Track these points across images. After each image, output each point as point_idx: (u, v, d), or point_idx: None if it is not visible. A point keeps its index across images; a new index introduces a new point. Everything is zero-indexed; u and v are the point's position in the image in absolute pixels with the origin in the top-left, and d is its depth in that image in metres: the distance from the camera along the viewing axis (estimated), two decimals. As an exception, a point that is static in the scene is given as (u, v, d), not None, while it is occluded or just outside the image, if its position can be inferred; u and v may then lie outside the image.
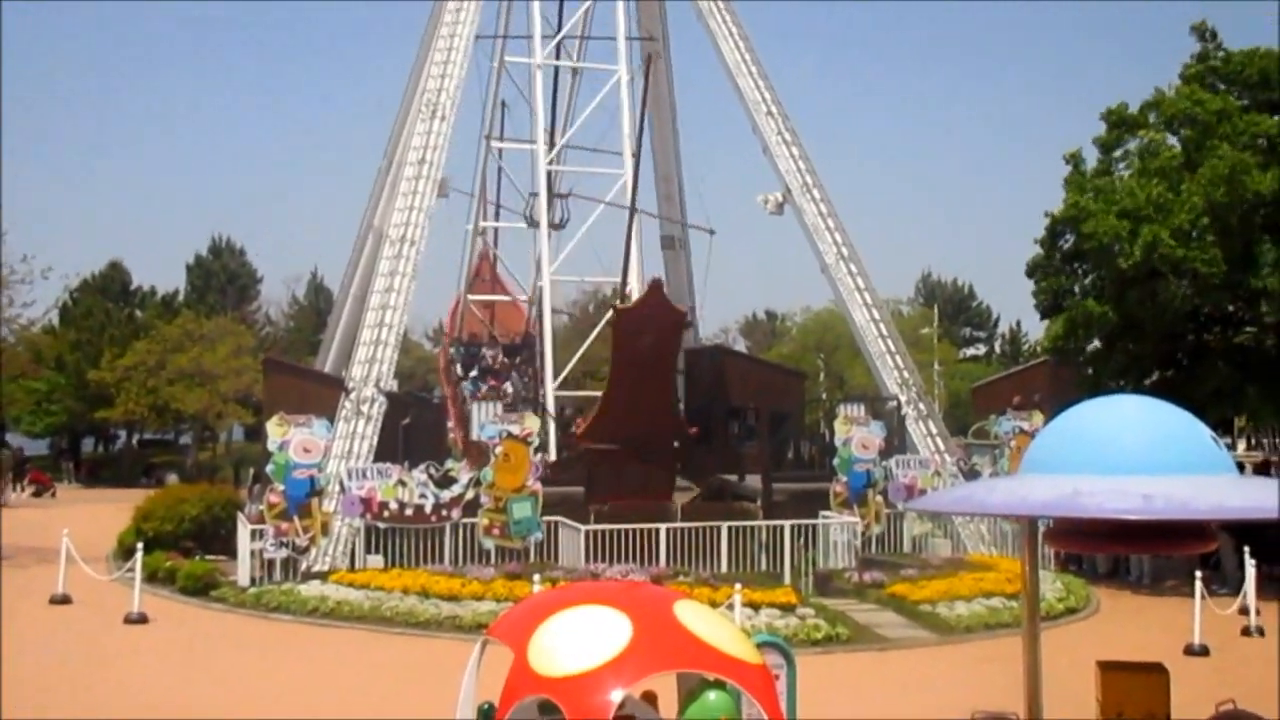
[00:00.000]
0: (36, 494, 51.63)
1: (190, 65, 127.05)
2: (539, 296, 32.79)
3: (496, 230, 39.90)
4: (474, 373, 34.94)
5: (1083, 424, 6.49)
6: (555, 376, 29.66)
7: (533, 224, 34.62)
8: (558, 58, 35.54)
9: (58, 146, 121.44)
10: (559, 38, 34.80)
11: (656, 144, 35.89)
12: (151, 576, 21.42)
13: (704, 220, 34.05)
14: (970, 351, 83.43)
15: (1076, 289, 29.01)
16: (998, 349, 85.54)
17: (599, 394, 26.84)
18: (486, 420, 23.89)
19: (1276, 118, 27.54)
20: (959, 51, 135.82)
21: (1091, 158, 29.92)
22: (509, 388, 33.15)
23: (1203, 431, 6.32)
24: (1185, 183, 26.13)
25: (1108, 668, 6.60)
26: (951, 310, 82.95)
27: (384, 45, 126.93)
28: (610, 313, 25.69)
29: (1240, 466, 31.39)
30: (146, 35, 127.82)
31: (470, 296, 38.48)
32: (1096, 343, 29.00)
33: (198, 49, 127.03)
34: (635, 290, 27.97)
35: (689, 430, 25.22)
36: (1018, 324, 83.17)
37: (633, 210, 27.60)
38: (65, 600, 20.79)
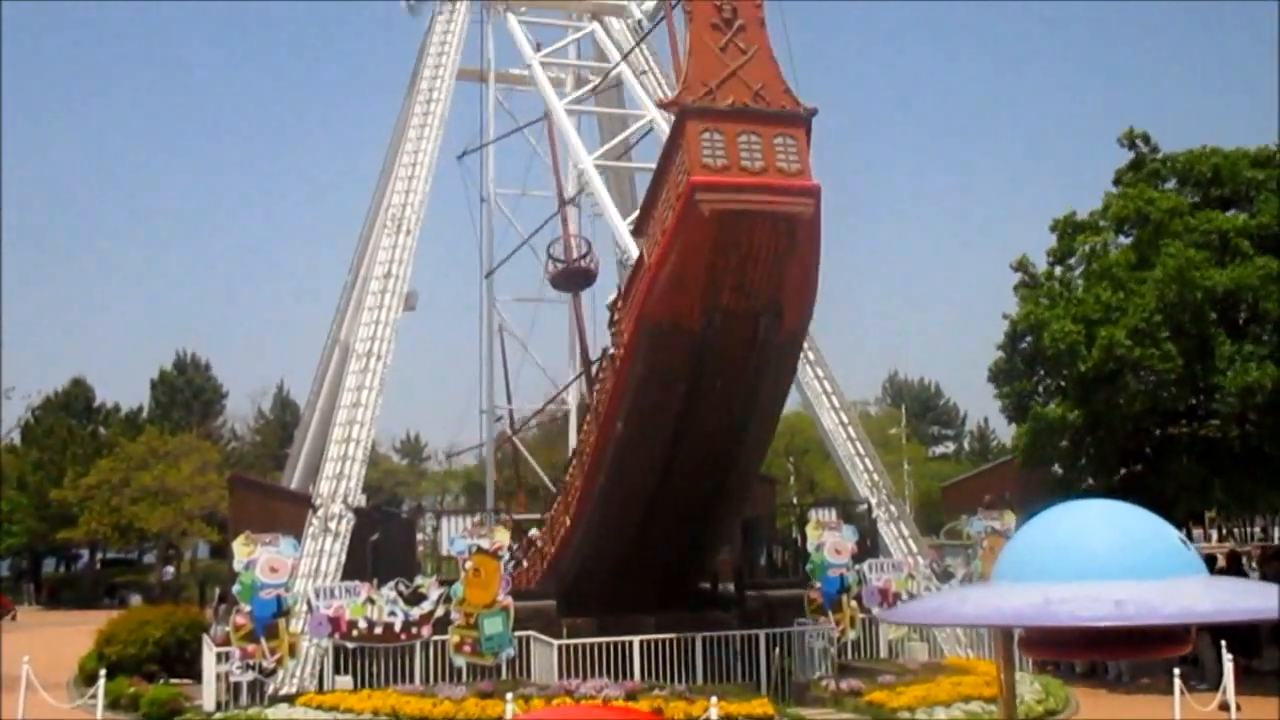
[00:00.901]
0: (-4, 618, 50.54)
1: (154, 178, 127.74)
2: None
3: (511, 411, 39.34)
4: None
5: (1052, 530, 6.48)
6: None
7: (557, 280, 34.57)
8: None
9: (19, 265, 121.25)
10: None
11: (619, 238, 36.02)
12: (114, 703, 20.94)
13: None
14: (939, 450, 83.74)
15: (1040, 389, 29.31)
16: (966, 446, 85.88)
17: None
18: (456, 535, 23.67)
19: (1229, 213, 28.15)
20: (914, 156, 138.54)
21: (1042, 261, 30.56)
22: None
23: (1171, 534, 6.33)
24: (1138, 283, 26.59)
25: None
26: (919, 409, 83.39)
27: (350, 159, 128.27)
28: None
29: (1212, 558, 31.58)
30: (109, 151, 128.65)
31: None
32: (1064, 442, 29.19)
33: (163, 162, 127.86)
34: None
35: (810, 107, 17.74)
36: (985, 421, 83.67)
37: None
38: (24, 731, 20.26)
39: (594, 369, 23.29)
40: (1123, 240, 29.35)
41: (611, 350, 20.42)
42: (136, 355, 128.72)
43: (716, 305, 17.28)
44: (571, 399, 37.34)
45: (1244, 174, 28.33)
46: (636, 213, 20.44)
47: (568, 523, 23.23)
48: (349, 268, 34.62)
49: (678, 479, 19.91)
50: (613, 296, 21.33)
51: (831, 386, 29.13)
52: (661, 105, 19.42)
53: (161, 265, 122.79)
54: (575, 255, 34.62)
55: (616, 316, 20.02)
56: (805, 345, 29.31)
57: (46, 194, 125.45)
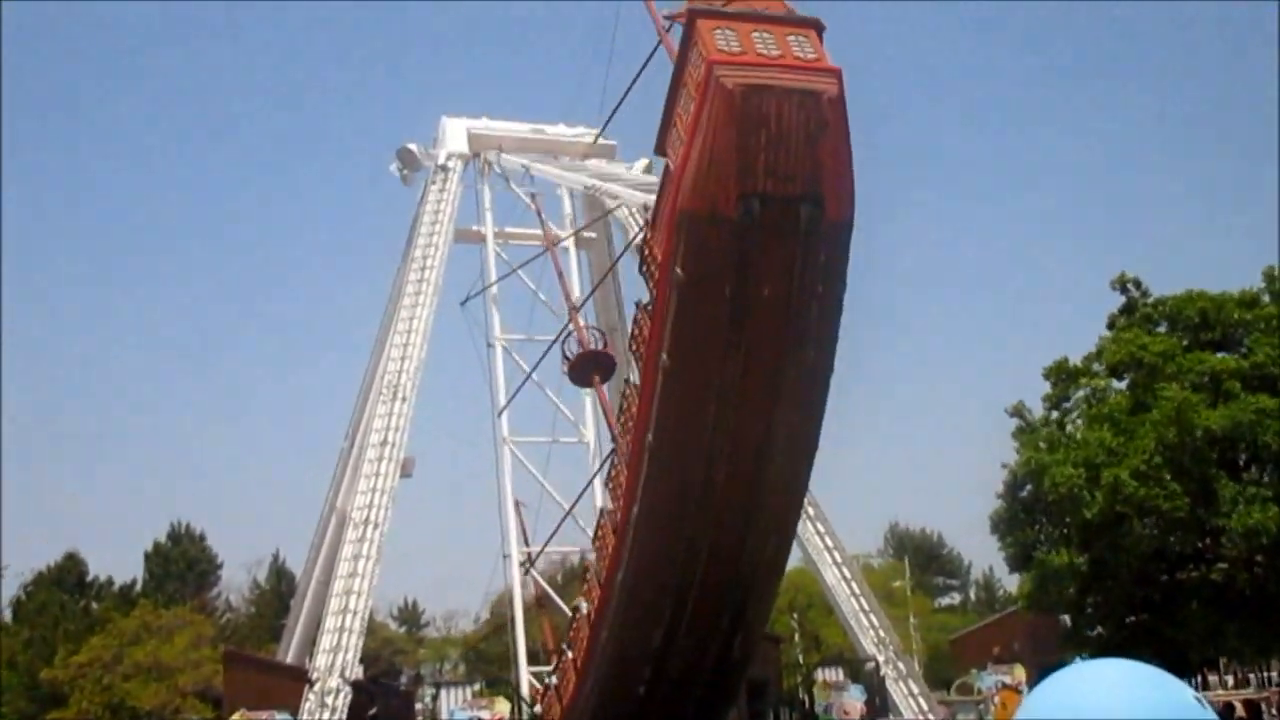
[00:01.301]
0: (-17, 807, 49.08)
1: (149, 349, 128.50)
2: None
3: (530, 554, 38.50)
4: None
5: (1065, 696, 6.31)
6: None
7: (574, 373, 34.20)
8: None
9: (15, 441, 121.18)
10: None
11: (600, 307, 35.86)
12: None
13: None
14: (945, 601, 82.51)
15: (1043, 537, 29.09)
16: (972, 596, 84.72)
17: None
18: (455, 707, 23.17)
19: (1220, 355, 28.37)
20: (909, 305, 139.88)
21: (1038, 405, 30.67)
22: None
23: (1186, 694, 6.17)
24: (1136, 425, 26.64)
25: None
26: (922, 560, 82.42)
27: (345, 324, 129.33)
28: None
29: (1230, 706, 30.86)
30: (106, 324, 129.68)
31: None
32: (1071, 590, 28.86)
33: (157, 333, 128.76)
34: None
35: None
36: (990, 570, 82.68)
37: None
38: None
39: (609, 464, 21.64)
40: (1118, 384, 29.50)
41: (646, 301, 18.57)
42: (130, 527, 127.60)
43: (753, 189, 16.15)
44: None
45: (1231, 316, 28.66)
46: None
47: (573, 679, 22.32)
48: (345, 435, 34.63)
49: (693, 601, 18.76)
50: (642, 236, 19.77)
51: (833, 541, 28.93)
52: (669, 16, 17.97)
53: (156, 435, 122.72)
54: (591, 345, 34.25)
55: (648, 250, 18.34)
56: (805, 501, 29.24)
57: (41, 369, 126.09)
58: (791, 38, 16.13)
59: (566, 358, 31.99)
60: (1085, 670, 6.58)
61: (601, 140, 34.79)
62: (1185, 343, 29.16)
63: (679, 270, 16.84)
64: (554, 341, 31.70)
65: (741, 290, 16.76)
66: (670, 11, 17.78)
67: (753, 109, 15.75)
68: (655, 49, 18.78)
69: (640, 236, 19.89)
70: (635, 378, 18.75)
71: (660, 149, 17.68)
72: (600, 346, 31.01)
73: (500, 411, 36.50)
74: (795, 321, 17.15)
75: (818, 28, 16.51)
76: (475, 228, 36.12)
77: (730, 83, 15.63)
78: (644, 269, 18.34)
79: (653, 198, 18.35)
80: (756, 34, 16.06)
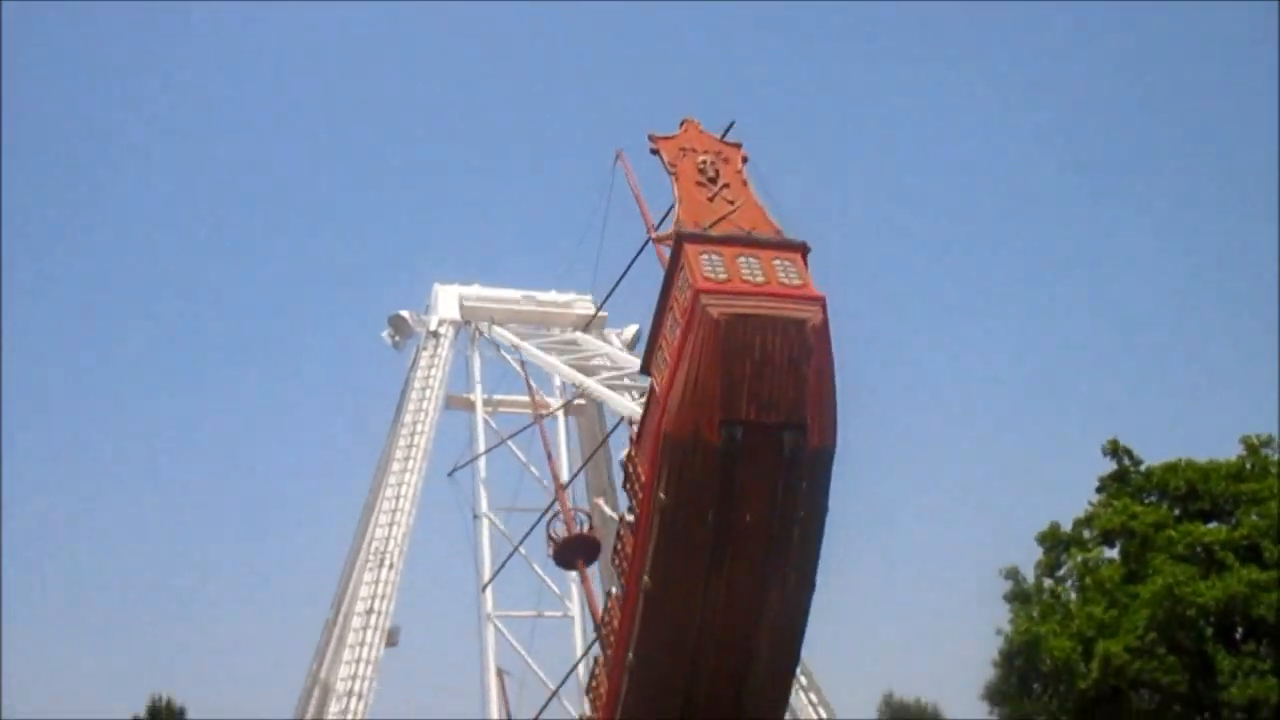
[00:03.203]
0: None
1: (125, 512, 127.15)
2: None
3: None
4: None
5: None
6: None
7: (560, 556, 33.65)
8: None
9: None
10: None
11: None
12: None
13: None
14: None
15: (1040, 709, 28.65)
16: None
17: None
18: None
19: (1211, 525, 28.40)
20: (895, 469, 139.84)
21: (1031, 565, 30.58)
22: None
23: None
24: (1130, 597, 26.52)
25: None
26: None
27: (331, 491, 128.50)
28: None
29: None
30: (78, 482, 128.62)
31: None
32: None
33: (135, 497, 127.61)
34: None
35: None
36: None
37: None
38: None
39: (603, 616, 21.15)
40: (1110, 552, 29.46)
41: (628, 514, 18.77)
42: (108, 702, 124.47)
43: (736, 417, 16.23)
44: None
45: (1219, 487, 28.81)
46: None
47: None
48: (330, 604, 34.07)
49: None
50: (626, 451, 19.32)
51: (826, 712, 28.25)
52: (656, 239, 18.60)
53: (133, 605, 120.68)
54: (576, 528, 33.95)
55: (632, 468, 18.30)
56: (797, 670, 28.74)
57: (12, 533, 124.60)
58: (777, 262, 16.49)
59: (552, 539, 32.00)
60: None
61: (586, 304, 35.35)
62: (1176, 512, 29.25)
63: (661, 494, 16.89)
64: (539, 519, 31.77)
65: (724, 515, 16.76)
66: (660, 234, 18.34)
67: (737, 338, 16.06)
68: (644, 245, 19.37)
69: (625, 452, 19.82)
70: (616, 589, 18.79)
71: (645, 368, 18.07)
72: (586, 529, 31.16)
73: (485, 586, 36.14)
74: (777, 547, 17.18)
75: (803, 251, 16.90)
76: (466, 395, 36.23)
77: (716, 312, 15.90)
78: (627, 485, 18.51)
79: (634, 368, 18.57)
80: (743, 259, 16.41)
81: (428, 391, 32.19)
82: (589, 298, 35.81)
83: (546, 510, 32.81)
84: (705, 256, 16.33)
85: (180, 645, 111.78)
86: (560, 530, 33.07)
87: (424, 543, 34.99)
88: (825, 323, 16.38)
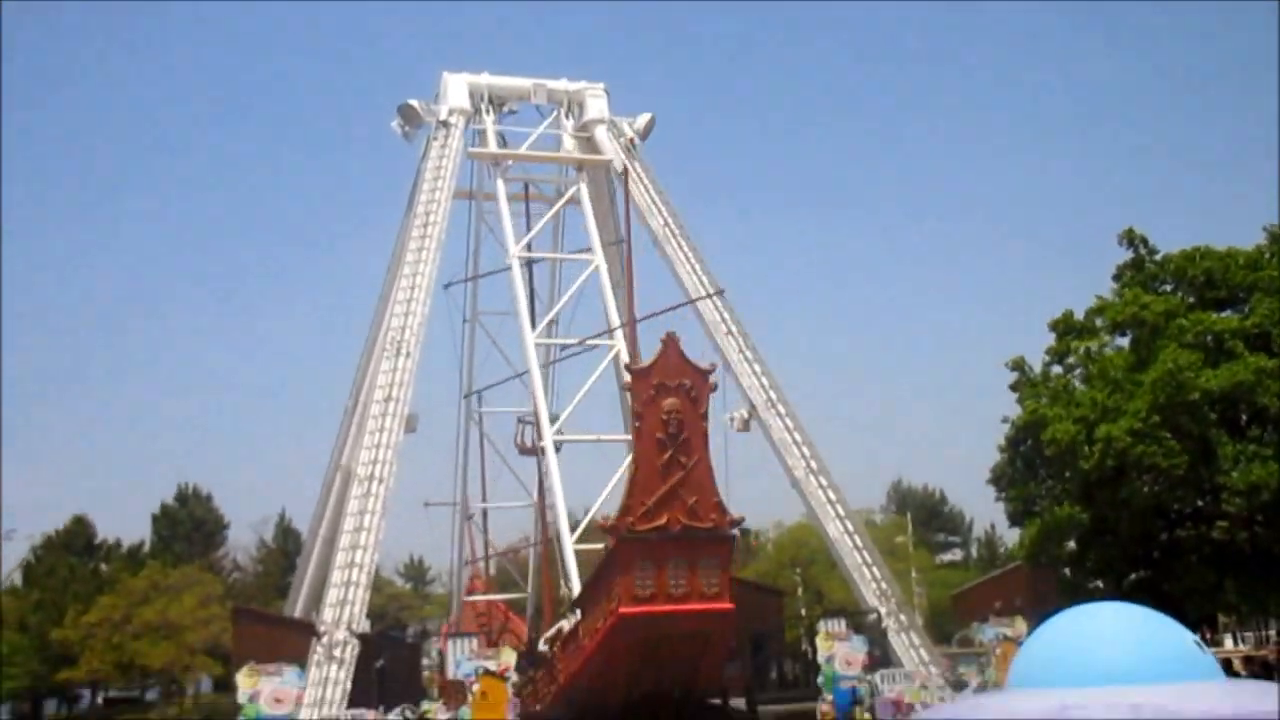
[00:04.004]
0: (-3, 763, 49.73)
1: (151, 310, 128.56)
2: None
3: (486, 510, 39.56)
4: None
5: (1065, 636, 6.44)
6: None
7: (525, 452, 34.71)
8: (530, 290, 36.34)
9: (20, 405, 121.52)
10: (526, 238, 35.60)
11: (619, 366, 36.28)
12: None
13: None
14: (946, 557, 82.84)
15: (1044, 491, 29.26)
16: (974, 553, 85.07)
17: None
18: (462, 657, 23.39)
19: (1224, 314, 28.37)
20: (914, 264, 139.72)
21: (1039, 360, 30.76)
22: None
23: (1186, 636, 6.29)
24: (1135, 385, 26.71)
25: None
26: (924, 517, 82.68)
27: (348, 283, 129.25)
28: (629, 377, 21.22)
29: (1227, 663, 31.12)
30: (106, 282, 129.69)
31: (465, 599, 38.25)
32: (1071, 544, 29.05)
33: (160, 293, 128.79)
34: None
35: (735, 518, 20.82)
36: (992, 527, 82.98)
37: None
38: None
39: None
40: (1120, 341, 29.55)
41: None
42: (137, 489, 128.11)
43: (637, 687, 20.12)
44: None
45: (1237, 276, 28.65)
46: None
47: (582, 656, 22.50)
48: (349, 392, 34.69)
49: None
50: (551, 634, 23.23)
51: (835, 495, 28.99)
52: (604, 528, 20.88)
53: (161, 398, 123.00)
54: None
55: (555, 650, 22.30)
56: (808, 454, 29.37)
57: (44, 330, 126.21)
58: (704, 563, 19.15)
59: (523, 421, 32.89)
60: (1085, 611, 6.70)
61: (598, 93, 34.86)
62: (1191, 300, 29.20)
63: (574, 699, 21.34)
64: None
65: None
66: (605, 520, 20.39)
67: (649, 649, 19.32)
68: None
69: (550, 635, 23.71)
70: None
71: (576, 606, 21.46)
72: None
73: (468, 395, 37.17)
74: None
75: (732, 542, 20.25)
76: (471, 188, 35.99)
77: (632, 637, 19.16)
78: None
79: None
80: (671, 565, 18.98)
81: (439, 182, 32.00)
82: (600, 85, 35.21)
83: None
84: (638, 574, 18.96)
85: (208, 436, 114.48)
86: (530, 435, 33.66)
87: (441, 332, 35.56)
88: (729, 626, 19.92)
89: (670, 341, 20.35)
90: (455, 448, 37.42)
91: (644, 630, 18.93)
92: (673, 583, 19.16)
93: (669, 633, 19.01)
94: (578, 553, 27.74)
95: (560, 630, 22.69)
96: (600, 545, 23.90)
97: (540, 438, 30.01)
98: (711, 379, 20.23)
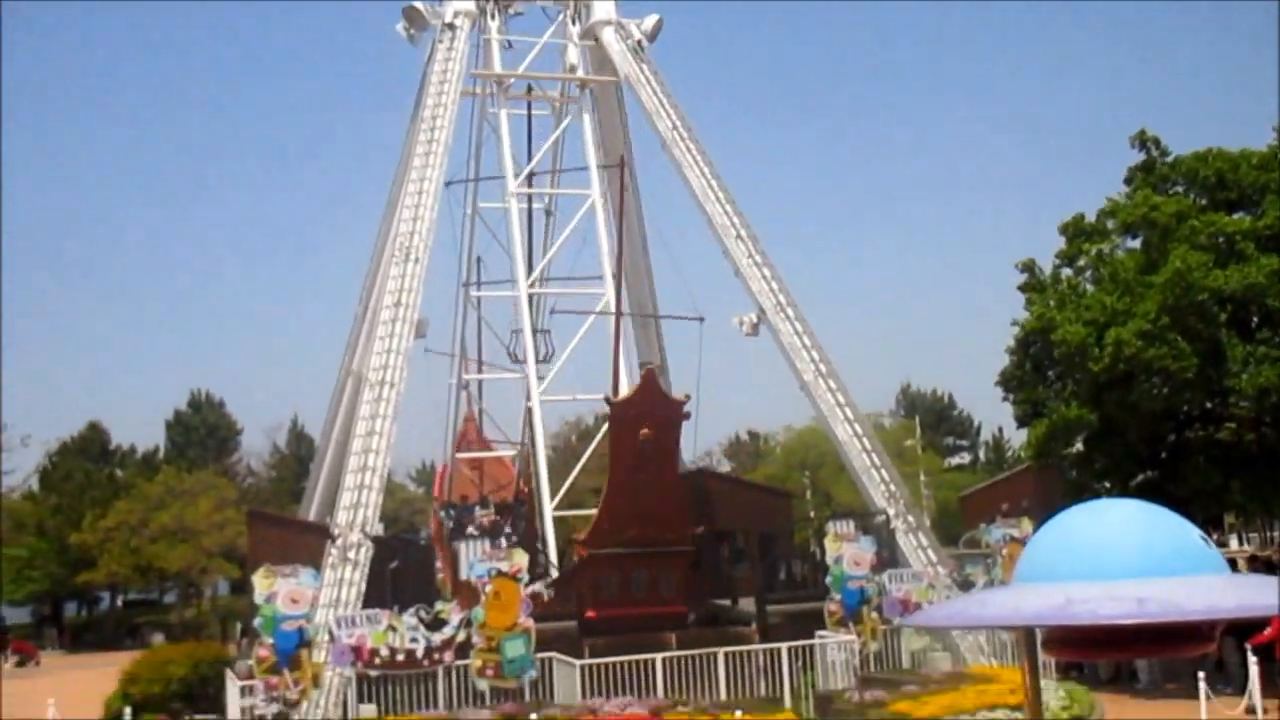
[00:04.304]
0: (20, 664, 50.78)
1: (163, 218, 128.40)
2: (529, 434, 32.95)
3: (481, 383, 39.96)
4: (467, 532, 35.02)
5: (1071, 531, 6.49)
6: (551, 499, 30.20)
7: (517, 361, 34.96)
8: (529, 195, 36.28)
9: (31, 310, 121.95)
10: (528, 169, 35.54)
11: (629, 271, 36.33)
12: (140, 741, 20.97)
13: (680, 344, 34.67)
14: (955, 461, 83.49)
15: (1053, 393, 29.34)
16: (982, 456, 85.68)
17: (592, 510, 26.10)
18: (475, 559, 23.70)
19: (1236, 215, 28.19)
20: (924, 166, 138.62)
21: (1049, 264, 30.66)
22: (503, 537, 33.47)
23: (1192, 532, 6.35)
24: (1145, 287, 26.63)
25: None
26: (933, 420, 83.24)
27: (356, 191, 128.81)
28: (609, 409, 23.78)
29: (1233, 563, 31.46)
30: (117, 192, 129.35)
31: (458, 455, 38.44)
32: (1079, 447, 29.18)
33: (171, 201, 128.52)
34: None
35: (697, 532, 23.71)
36: (1000, 431, 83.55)
37: (618, 322, 27.75)
38: (52, 772, 20.31)
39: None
40: (1131, 244, 29.42)
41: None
42: (151, 396, 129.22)
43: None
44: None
45: (1249, 177, 28.41)
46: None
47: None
48: (359, 298, 34.75)
49: None
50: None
51: (844, 398, 29.06)
52: (576, 541, 24.22)
53: (172, 305, 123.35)
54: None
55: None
56: (817, 357, 29.45)
57: (54, 238, 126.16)
58: (663, 575, 22.95)
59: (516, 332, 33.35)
60: (1092, 507, 6.76)
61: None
62: (1202, 202, 29.01)
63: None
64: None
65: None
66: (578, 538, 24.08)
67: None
68: None
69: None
70: None
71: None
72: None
73: (465, 283, 37.37)
74: None
75: (689, 557, 23.69)
76: (476, 87, 35.71)
77: (599, 625, 22.48)
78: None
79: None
80: (635, 578, 22.67)
81: (445, 85, 31.65)
82: None
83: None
84: (604, 580, 22.68)
85: (219, 344, 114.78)
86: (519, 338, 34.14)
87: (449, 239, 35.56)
88: (683, 619, 23.04)
89: (648, 376, 22.75)
90: (452, 331, 37.59)
91: (608, 626, 22.23)
92: (635, 591, 22.43)
93: (631, 625, 22.02)
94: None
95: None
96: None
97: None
98: (685, 408, 22.28)
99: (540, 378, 32.04)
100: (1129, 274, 27.27)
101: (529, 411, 32.57)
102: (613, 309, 28.59)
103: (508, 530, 34.00)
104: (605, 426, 26.05)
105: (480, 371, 39.41)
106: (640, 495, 21.71)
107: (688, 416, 22.27)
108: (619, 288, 29.33)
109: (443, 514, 36.22)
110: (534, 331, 33.38)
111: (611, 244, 31.61)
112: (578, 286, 34.23)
